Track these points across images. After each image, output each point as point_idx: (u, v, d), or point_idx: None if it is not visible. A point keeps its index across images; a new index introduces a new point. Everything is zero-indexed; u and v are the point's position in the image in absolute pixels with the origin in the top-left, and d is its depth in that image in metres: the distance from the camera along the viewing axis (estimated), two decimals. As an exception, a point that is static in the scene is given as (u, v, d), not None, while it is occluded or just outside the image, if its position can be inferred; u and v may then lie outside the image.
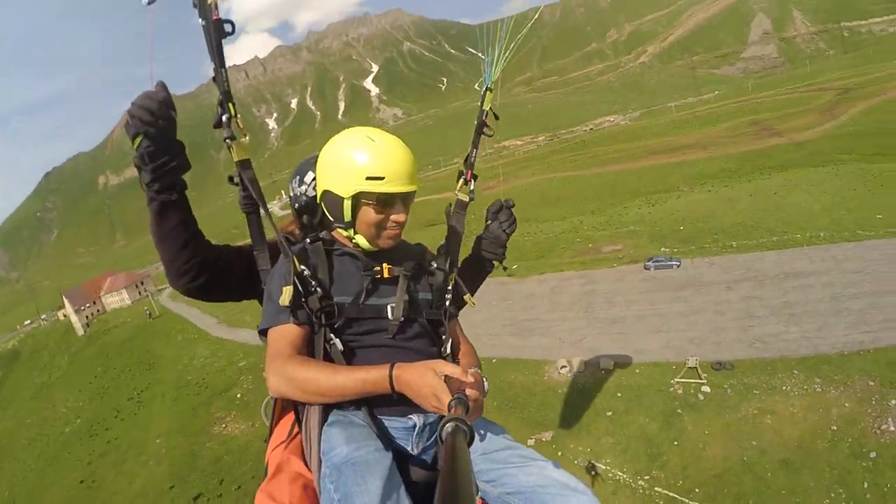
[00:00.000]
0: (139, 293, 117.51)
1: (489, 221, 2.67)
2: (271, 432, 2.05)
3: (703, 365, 25.71)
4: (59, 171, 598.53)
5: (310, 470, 1.78)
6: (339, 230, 2.05)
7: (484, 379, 1.74)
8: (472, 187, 2.50)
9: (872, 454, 19.20)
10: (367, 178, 1.84)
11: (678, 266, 38.74)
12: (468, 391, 1.54)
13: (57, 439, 53.99)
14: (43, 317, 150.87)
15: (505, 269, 2.71)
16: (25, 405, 74.12)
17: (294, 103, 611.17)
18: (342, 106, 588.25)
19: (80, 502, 38.47)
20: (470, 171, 2.52)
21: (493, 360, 32.23)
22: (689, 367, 25.73)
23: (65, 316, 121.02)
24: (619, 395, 25.32)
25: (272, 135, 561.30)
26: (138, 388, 57.12)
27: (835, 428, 20.29)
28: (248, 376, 45.09)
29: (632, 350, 29.08)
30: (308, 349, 1.86)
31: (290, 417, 1.96)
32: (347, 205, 1.90)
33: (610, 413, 24.34)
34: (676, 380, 25.14)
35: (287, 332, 1.83)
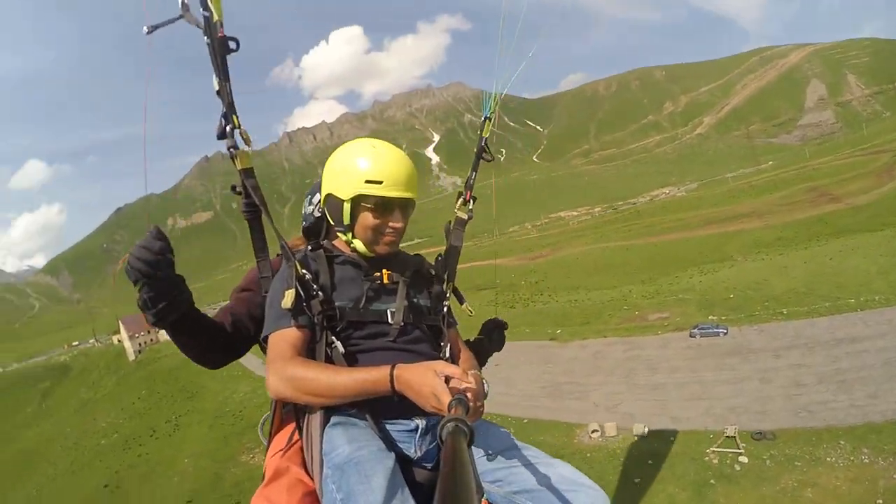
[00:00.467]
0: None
1: (482, 336, 2.73)
2: (269, 443, 2.05)
3: (743, 434, 24.46)
4: (130, 209, 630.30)
5: (310, 476, 1.77)
6: (339, 235, 2.11)
7: (484, 381, 1.76)
8: (471, 206, 2.60)
9: (922, 529, 17.66)
10: (367, 182, 1.92)
11: (725, 333, 37.65)
12: (469, 392, 1.52)
13: (92, 450, 56.52)
14: (92, 340, 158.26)
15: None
16: (68, 417, 77.80)
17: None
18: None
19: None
20: (469, 192, 2.63)
21: (525, 421, 31.77)
22: (728, 437, 24.50)
23: (119, 341, 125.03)
24: (650, 461, 24.21)
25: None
26: (178, 412, 59.40)
27: (880, 501, 18.78)
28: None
29: (669, 417, 28.10)
30: (309, 354, 1.88)
31: (290, 428, 1.96)
32: (347, 207, 1.97)
33: (638, 480, 23.23)
34: (712, 449, 23.91)
35: (288, 336, 1.85)
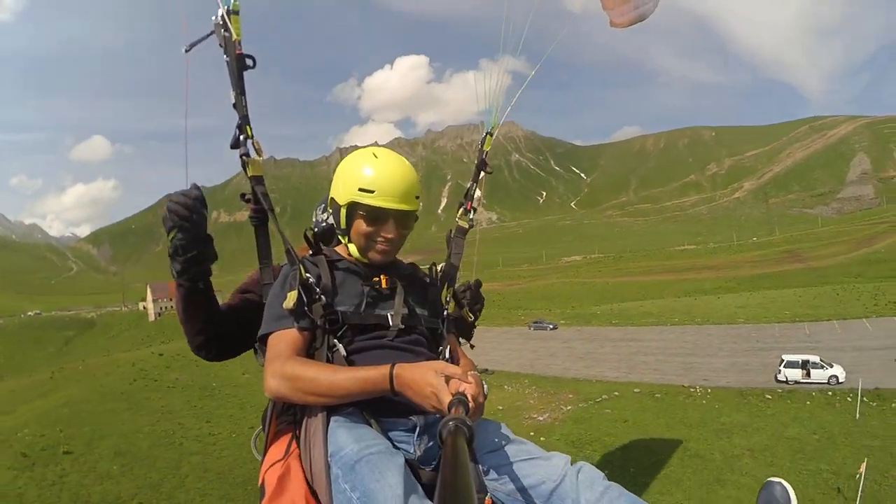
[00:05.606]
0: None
1: (460, 297, 2.55)
2: (265, 456, 1.94)
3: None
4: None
5: (310, 484, 1.68)
6: (341, 240, 2.12)
7: (484, 382, 1.74)
8: (471, 216, 2.63)
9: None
10: (359, 190, 1.91)
11: (553, 328, 54.61)
12: (469, 392, 1.49)
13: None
14: (121, 305, 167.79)
15: (472, 346, 2.64)
16: (87, 358, 74.32)
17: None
18: (444, 201, 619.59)
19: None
20: (469, 203, 2.67)
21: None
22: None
23: (144, 308, 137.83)
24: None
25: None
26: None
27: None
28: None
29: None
30: (309, 356, 1.85)
31: (285, 439, 1.89)
32: (343, 213, 1.98)
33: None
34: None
35: (288, 336, 1.82)
